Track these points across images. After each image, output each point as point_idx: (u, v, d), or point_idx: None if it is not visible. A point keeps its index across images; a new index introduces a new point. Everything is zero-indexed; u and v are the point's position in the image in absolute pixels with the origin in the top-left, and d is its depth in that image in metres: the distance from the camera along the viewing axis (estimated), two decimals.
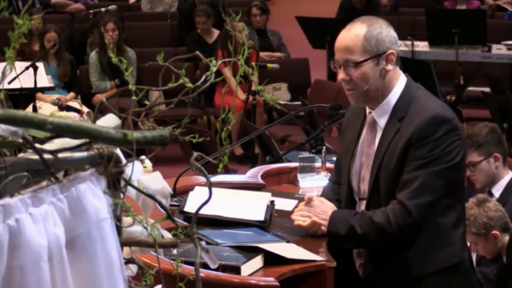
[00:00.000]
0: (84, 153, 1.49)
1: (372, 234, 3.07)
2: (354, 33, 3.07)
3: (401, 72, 3.17)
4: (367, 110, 3.20)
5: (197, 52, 1.84)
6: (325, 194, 3.43)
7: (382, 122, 3.14)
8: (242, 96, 8.34)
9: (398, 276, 3.11)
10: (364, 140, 3.21)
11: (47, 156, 1.42)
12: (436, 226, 3.07)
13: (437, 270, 3.09)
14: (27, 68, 7.09)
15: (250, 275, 2.96)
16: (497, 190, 4.45)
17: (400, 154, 3.04)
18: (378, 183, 3.10)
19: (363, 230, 3.07)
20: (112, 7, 7.94)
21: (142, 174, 1.63)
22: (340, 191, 3.35)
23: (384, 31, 3.08)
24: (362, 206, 3.20)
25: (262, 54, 10.12)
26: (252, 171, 4.19)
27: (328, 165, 4.16)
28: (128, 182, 1.56)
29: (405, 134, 3.04)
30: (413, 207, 3.01)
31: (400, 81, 3.14)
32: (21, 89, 7.14)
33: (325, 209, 3.23)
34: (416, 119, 3.04)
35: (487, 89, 8.66)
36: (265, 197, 3.55)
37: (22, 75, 6.55)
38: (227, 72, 8.85)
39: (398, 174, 3.06)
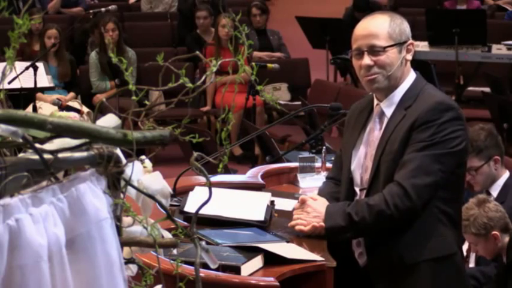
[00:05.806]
0: (84, 153, 1.49)
1: (369, 218, 3.04)
2: (378, 21, 3.16)
3: (411, 67, 3.22)
4: (375, 102, 3.22)
5: (197, 52, 1.84)
6: (321, 194, 3.42)
7: (389, 112, 3.17)
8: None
9: (391, 264, 3.11)
10: (370, 131, 3.22)
11: (47, 156, 1.42)
12: (430, 216, 3.06)
13: (429, 258, 3.09)
14: (27, 68, 7.09)
15: (250, 275, 2.96)
16: (495, 189, 4.46)
17: (403, 138, 3.06)
18: (379, 170, 3.10)
19: (360, 216, 3.06)
20: (112, 7, 7.95)
21: (142, 174, 1.63)
22: (336, 188, 3.35)
23: (404, 23, 3.19)
24: (362, 196, 3.19)
25: (262, 54, 10.11)
26: (252, 171, 4.19)
27: (328, 165, 4.15)
28: (128, 182, 1.56)
29: (409, 119, 3.07)
30: (410, 187, 2.99)
31: (410, 75, 3.19)
32: (21, 89, 7.14)
33: (317, 207, 3.22)
34: (421, 105, 3.08)
35: (487, 89, 8.66)
36: (265, 197, 3.55)
37: (22, 75, 6.55)
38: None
39: (400, 157, 3.06)
